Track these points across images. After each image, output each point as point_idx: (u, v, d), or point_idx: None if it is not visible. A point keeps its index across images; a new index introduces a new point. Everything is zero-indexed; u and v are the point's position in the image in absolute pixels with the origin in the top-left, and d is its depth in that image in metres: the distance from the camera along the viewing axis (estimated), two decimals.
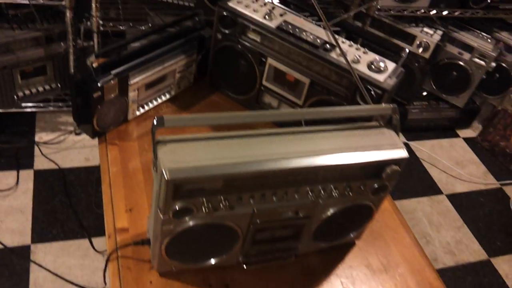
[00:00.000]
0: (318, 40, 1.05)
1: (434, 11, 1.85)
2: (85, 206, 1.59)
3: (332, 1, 1.85)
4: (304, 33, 1.06)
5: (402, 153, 0.80)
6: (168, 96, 1.22)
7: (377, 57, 1.04)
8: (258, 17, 1.09)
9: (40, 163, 1.68)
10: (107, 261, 0.86)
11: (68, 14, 1.40)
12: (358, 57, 1.03)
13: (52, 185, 1.62)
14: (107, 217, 0.95)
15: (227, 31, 1.14)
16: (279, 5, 1.14)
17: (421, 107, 2.13)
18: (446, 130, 2.29)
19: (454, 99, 2.14)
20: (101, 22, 1.45)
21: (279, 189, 0.75)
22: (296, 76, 1.10)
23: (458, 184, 2.03)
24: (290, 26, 1.07)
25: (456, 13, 1.89)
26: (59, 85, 1.63)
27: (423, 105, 2.14)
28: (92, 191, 1.62)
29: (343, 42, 1.07)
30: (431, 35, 1.86)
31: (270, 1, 1.15)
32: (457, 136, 2.30)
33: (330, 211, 0.83)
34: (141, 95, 1.14)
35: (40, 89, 1.58)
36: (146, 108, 1.17)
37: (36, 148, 1.72)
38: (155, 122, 0.69)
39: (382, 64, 1.02)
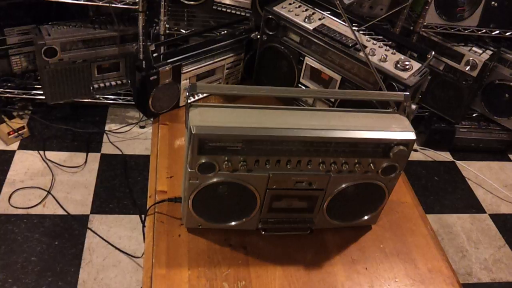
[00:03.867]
0: (350, 41, 1.16)
1: (484, 30, 1.87)
2: (140, 188, 1.78)
3: (382, 19, 1.94)
4: (337, 35, 1.18)
5: (411, 135, 0.87)
6: None
7: (403, 57, 1.12)
8: (298, 20, 1.22)
9: (107, 148, 1.91)
10: (146, 215, 1.00)
11: (141, 17, 1.62)
12: (385, 56, 1.12)
13: (115, 167, 1.83)
14: (150, 181, 1.09)
15: (271, 33, 1.28)
16: (319, 10, 1.26)
17: (470, 127, 2.13)
18: (497, 153, 2.25)
19: (505, 121, 2.12)
20: (167, 25, 1.65)
21: (292, 158, 0.85)
22: (329, 73, 1.21)
23: (504, 206, 1.99)
24: (325, 28, 1.19)
25: (508, 33, 1.90)
26: (129, 81, 1.86)
27: (473, 126, 2.13)
28: (148, 176, 1.81)
29: (374, 43, 1.17)
30: (480, 54, 1.89)
31: (311, 6, 1.28)
32: (508, 160, 2.25)
33: (342, 186, 0.91)
34: None
35: (113, 83, 1.81)
36: (196, 97, 1.33)
37: (105, 136, 1.96)
38: (189, 87, 0.83)
39: (407, 63, 1.10)
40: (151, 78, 1.17)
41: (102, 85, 1.78)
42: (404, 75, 1.09)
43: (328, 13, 1.26)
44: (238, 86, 0.86)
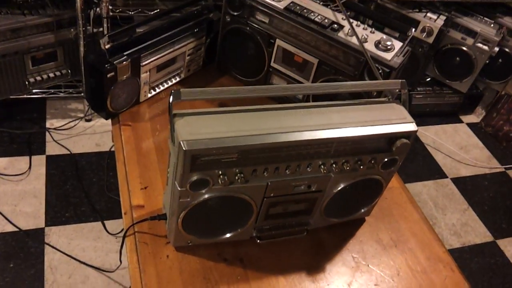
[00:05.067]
0: (326, 20, 1.07)
1: None
2: (96, 190, 1.62)
3: None
4: (312, 14, 1.08)
5: (412, 127, 0.82)
6: (178, 79, 1.24)
7: (384, 36, 1.06)
8: None
9: (52, 148, 1.71)
10: (124, 236, 0.88)
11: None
12: (365, 37, 1.05)
13: (64, 170, 1.64)
14: (122, 195, 0.97)
15: (235, 13, 1.16)
16: None
17: (425, 93, 2.15)
18: (449, 115, 2.31)
19: (457, 85, 2.16)
20: (110, 7, 1.47)
21: (292, 163, 0.78)
22: (305, 56, 1.12)
23: (463, 168, 2.06)
24: (298, 7, 1.09)
25: None
26: (69, 71, 1.65)
27: (427, 91, 2.15)
28: (103, 175, 1.65)
29: (351, 22, 1.09)
30: (435, 20, 1.88)
31: None
32: (460, 121, 2.32)
33: (342, 185, 0.85)
34: (152, 77, 1.16)
35: (51, 75, 1.60)
36: (157, 90, 1.20)
37: (47, 134, 1.75)
38: (172, 95, 0.71)
39: (389, 43, 1.04)
40: (108, 76, 1.03)
41: (38, 78, 1.57)
42: (388, 56, 1.03)
43: None
44: (231, 89, 0.75)
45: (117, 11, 1.52)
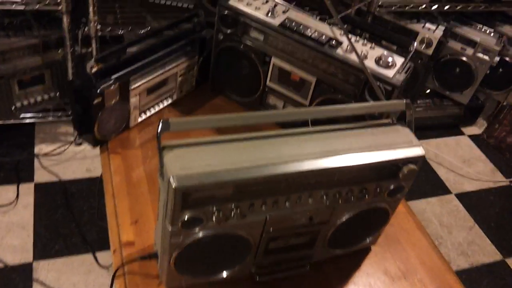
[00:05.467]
0: (324, 37, 1.02)
1: (436, 6, 1.81)
2: (87, 218, 1.54)
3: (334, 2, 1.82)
4: (308, 30, 1.03)
5: (419, 151, 0.76)
6: (170, 101, 1.18)
7: (385, 52, 1.00)
8: (260, 14, 1.06)
9: (41, 176, 1.63)
10: (113, 278, 0.82)
11: (65, 19, 1.36)
12: (365, 53, 0.99)
13: (54, 198, 1.57)
14: (111, 231, 0.90)
15: (228, 31, 1.10)
16: (281, 1, 1.11)
17: (425, 105, 2.09)
18: (451, 128, 2.25)
19: (458, 96, 2.10)
20: (98, 27, 1.41)
21: (292, 194, 0.71)
22: (302, 75, 1.06)
23: (467, 183, 1.99)
24: (293, 23, 1.04)
25: (458, 7, 1.85)
26: (58, 94, 1.59)
27: (427, 103, 2.10)
28: (95, 202, 1.58)
29: (349, 37, 1.03)
30: (434, 31, 1.83)
31: None
32: (462, 133, 2.26)
33: (346, 216, 0.79)
34: (143, 101, 1.10)
35: (39, 98, 1.53)
36: (148, 114, 1.14)
37: (36, 160, 1.68)
38: (160, 126, 0.65)
39: (390, 59, 0.98)
40: (95, 102, 0.97)
41: (26, 102, 1.50)
42: (389, 73, 0.97)
43: (290, 6, 1.10)
44: (224, 117, 0.69)
45: (107, 30, 1.47)
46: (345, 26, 1.07)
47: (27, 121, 1.66)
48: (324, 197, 0.74)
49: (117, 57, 1.07)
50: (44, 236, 1.47)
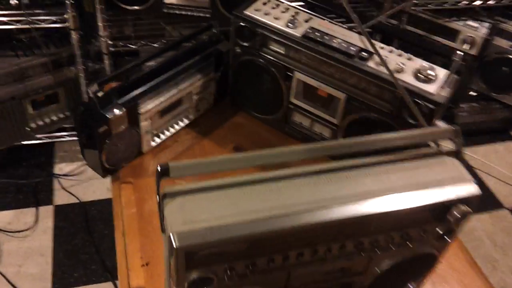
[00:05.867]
0: (352, 48, 0.89)
1: (479, 1, 1.65)
2: (108, 243, 1.47)
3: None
4: (335, 40, 0.91)
5: (472, 189, 0.63)
6: (186, 121, 1.09)
7: (424, 63, 0.87)
8: (280, 25, 0.94)
9: (60, 197, 1.58)
10: None
11: (74, 35, 1.28)
12: (401, 65, 0.86)
13: (73, 221, 1.51)
14: (120, 274, 0.82)
15: (246, 44, 1.00)
16: (303, 9, 0.99)
17: (470, 110, 1.92)
18: (499, 133, 2.06)
19: (506, 98, 1.92)
20: (110, 42, 1.33)
21: (319, 246, 0.60)
22: (329, 91, 0.94)
23: None
24: (318, 33, 0.92)
25: (503, 1, 1.68)
26: (72, 113, 1.53)
27: (472, 107, 1.92)
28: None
29: (382, 47, 0.91)
30: (476, 29, 1.66)
31: (293, 5, 1.00)
32: (511, 138, 2.07)
33: (385, 266, 0.67)
34: (155, 124, 1.01)
35: (54, 118, 1.47)
36: (163, 137, 1.04)
37: (55, 181, 1.62)
38: (158, 173, 0.55)
39: (431, 72, 0.85)
40: (100, 130, 0.88)
41: (40, 123, 1.44)
42: (431, 88, 0.84)
43: (313, 14, 0.99)
44: (237, 157, 0.58)
45: (119, 45, 1.39)
46: (375, 33, 0.94)
47: (43, 141, 1.60)
48: (359, 246, 0.62)
49: (125, 77, 0.99)
50: (63, 263, 1.41)
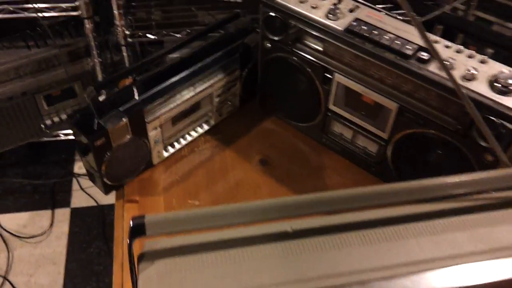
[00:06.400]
0: (409, 46, 0.70)
1: None
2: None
3: None
4: (386, 36, 0.72)
5: None
6: (206, 127, 0.93)
7: (504, 68, 0.67)
8: (318, 16, 0.76)
9: (78, 199, 1.48)
10: None
11: (87, 25, 1.15)
12: (472, 70, 0.66)
13: (90, 226, 1.41)
14: None
15: (276, 38, 0.82)
16: None
17: None
18: None
19: None
20: (127, 32, 1.19)
21: None
22: (377, 99, 0.76)
23: None
24: (365, 27, 0.73)
25: None
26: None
27: None
28: None
29: (447, 46, 0.71)
30: None
31: None
32: None
33: None
34: (167, 132, 0.86)
35: (71, 113, 1.36)
36: (178, 146, 0.90)
37: (74, 180, 1.52)
38: (130, 230, 0.40)
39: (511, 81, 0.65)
40: (97, 144, 0.74)
41: (56, 119, 1.33)
42: (511, 102, 0.64)
43: (359, 1, 0.80)
44: (231, 208, 0.42)
45: (138, 35, 1.24)
46: (436, 24, 0.74)
47: (60, 138, 1.49)
48: None
49: (133, 78, 0.84)
50: (75, 275, 1.31)
